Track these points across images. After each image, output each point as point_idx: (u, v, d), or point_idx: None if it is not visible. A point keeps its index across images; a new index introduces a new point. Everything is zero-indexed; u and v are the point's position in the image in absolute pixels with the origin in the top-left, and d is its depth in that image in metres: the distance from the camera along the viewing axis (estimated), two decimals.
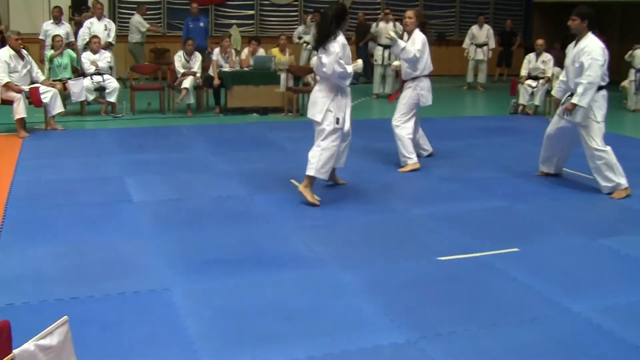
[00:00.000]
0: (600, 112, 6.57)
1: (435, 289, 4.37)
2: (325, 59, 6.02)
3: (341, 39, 6.06)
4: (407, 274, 4.59)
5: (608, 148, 6.60)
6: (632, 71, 12.87)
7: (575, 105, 6.45)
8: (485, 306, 4.11)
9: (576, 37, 6.63)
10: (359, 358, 3.46)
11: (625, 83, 13.23)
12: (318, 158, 6.11)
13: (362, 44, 15.30)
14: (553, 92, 7.36)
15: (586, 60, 6.38)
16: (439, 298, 4.22)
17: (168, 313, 3.90)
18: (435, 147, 8.30)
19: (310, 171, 6.13)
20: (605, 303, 4.19)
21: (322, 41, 6.09)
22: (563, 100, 6.83)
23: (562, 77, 6.96)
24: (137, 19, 14.40)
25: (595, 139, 6.58)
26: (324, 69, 6.04)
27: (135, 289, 4.20)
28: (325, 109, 6.10)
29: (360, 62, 6.44)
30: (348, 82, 6.20)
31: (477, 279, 4.55)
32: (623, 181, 6.60)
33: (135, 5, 14.85)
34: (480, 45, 15.46)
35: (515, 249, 5.10)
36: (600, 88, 6.49)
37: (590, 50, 6.41)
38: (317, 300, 4.14)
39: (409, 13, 7.69)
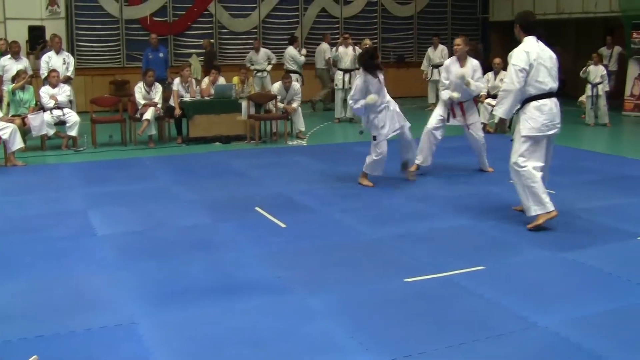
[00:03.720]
0: (526, 124, 5.95)
1: (403, 310, 4.38)
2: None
3: (362, 77, 7.66)
4: (374, 296, 4.59)
5: (526, 168, 5.96)
6: (589, 86, 13.14)
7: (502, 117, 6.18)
8: (453, 325, 4.13)
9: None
10: None
11: (582, 98, 13.49)
12: (368, 161, 7.89)
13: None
14: None
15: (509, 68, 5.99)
16: (407, 319, 4.24)
17: (135, 347, 3.85)
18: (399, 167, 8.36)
19: (364, 167, 7.94)
20: (572, 315, 4.24)
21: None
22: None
23: None
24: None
25: (513, 154, 6.08)
26: None
27: (101, 324, 4.14)
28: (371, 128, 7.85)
29: (371, 97, 7.59)
30: (362, 112, 7.82)
31: (444, 298, 4.58)
32: (535, 209, 6.00)
33: (92, 38, 14.86)
34: (436, 66, 15.54)
35: (481, 267, 5.14)
36: (532, 98, 5.93)
37: (511, 56, 5.97)
38: (285, 326, 4.13)
39: (458, 41, 8.37)
